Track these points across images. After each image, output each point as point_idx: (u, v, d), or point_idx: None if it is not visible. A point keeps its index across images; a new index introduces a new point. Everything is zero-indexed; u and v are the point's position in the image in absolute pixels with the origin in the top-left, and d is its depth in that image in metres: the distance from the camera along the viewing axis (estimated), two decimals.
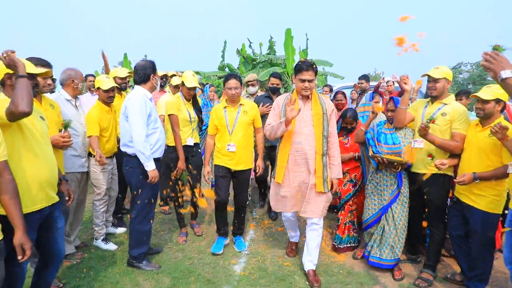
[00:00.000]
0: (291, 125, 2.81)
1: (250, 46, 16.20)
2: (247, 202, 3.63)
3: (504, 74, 1.66)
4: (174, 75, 4.78)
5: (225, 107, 3.37)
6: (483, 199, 2.60)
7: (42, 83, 2.57)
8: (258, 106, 3.67)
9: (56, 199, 2.11)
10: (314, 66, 2.88)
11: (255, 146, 3.64)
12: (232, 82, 3.26)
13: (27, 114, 1.81)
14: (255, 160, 3.64)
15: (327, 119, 2.91)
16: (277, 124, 2.89)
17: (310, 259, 3.06)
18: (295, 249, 3.49)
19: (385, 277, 3.06)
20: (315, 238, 3.02)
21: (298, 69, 2.87)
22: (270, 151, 4.05)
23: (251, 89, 4.58)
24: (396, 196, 3.06)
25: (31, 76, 1.98)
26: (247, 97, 4.50)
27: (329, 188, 2.94)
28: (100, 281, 2.86)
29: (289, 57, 14.35)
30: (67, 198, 2.33)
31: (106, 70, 4.69)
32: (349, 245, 3.53)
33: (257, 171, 3.55)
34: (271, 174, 3.89)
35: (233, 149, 3.30)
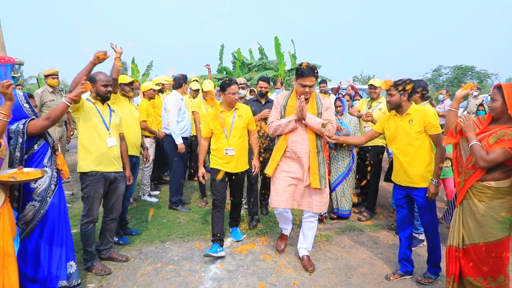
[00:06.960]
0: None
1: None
2: (243, 199, 3.97)
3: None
4: (195, 80, 5.79)
5: (221, 112, 3.39)
6: None
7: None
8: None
9: (138, 154, 3.73)
10: (316, 71, 2.92)
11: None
12: (235, 88, 3.32)
13: (115, 79, 3.23)
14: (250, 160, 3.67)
15: (321, 118, 3.04)
16: (285, 123, 3.00)
17: (305, 247, 3.26)
18: (285, 242, 3.52)
19: (339, 219, 4.56)
20: (310, 229, 3.23)
21: (301, 74, 2.87)
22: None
23: (241, 92, 4.80)
24: (350, 168, 4.55)
25: (130, 83, 3.57)
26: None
27: (326, 185, 3.07)
28: (153, 216, 4.43)
29: (280, 62, 16.01)
30: (145, 159, 4.00)
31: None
32: (323, 214, 4.40)
33: (253, 171, 3.59)
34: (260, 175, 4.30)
35: (232, 153, 3.34)
